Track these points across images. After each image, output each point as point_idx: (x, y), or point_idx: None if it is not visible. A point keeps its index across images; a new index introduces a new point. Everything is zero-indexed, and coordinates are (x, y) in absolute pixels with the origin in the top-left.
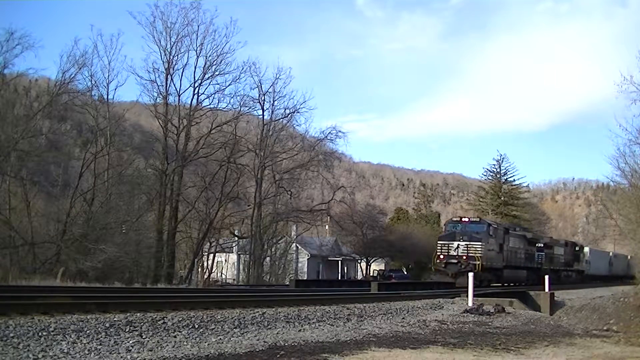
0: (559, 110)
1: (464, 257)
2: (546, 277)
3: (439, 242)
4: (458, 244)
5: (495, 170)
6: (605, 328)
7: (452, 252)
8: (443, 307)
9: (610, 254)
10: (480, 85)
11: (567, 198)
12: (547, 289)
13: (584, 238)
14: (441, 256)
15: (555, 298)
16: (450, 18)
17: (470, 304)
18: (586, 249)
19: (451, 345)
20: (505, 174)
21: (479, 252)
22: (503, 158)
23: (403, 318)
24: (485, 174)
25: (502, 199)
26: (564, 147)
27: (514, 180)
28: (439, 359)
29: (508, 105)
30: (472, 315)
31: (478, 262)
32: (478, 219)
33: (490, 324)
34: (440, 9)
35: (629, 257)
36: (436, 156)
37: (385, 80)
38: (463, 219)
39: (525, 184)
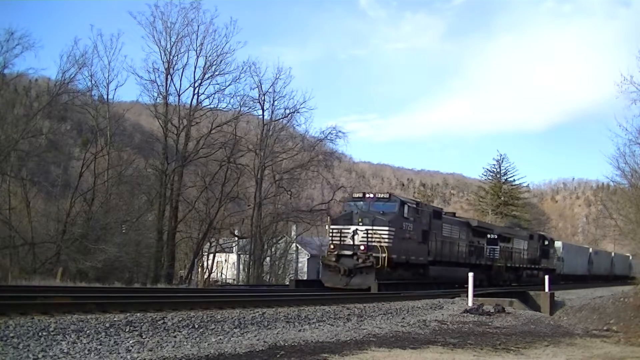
0: (559, 110)
1: (362, 248)
2: (546, 277)
3: (331, 226)
4: (356, 229)
5: (495, 170)
6: (605, 328)
7: (348, 241)
8: (443, 307)
9: (590, 250)
10: (481, 85)
11: (567, 198)
12: (547, 289)
13: (584, 238)
14: (332, 246)
15: (555, 298)
16: (452, 18)
17: (470, 304)
18: (558, 244)
19: (451, 345)
20: (505, 174)
21: (385, 240)
22: (503, 158)
23: (403, 318)
24: (485, 174)
25: (502, 199)
26: (564, 147)
27: (514, 180)
28: (439, 359)
29: (509, 105)
30: (472, 315)
31: (383, 255)
32: (387, 196)
33: (490, 324)
34: (443, 9)
35: (612, 254)
36: (436, 156)
37: (387, 80)
38: (367, 196)
39: (525, 184)
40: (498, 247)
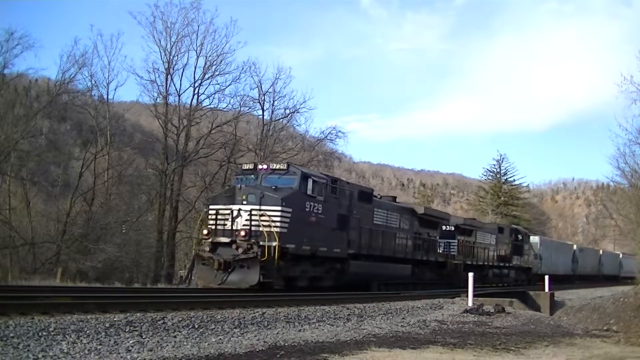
0: (560, 110)
1: (243, 234)
2: (546, 277)
3: (209, 207)
4: (239, 210)
5: (495, 170)
6: (605, 328)
7: (228, 225)
8: (443, 307)
9: (574, 247)
10: (482, 85)
11: (567, 198)
12: (547, 289)
13: (584, 238)
14: (205, 232)
15: (555, 298)
16: (454, 18)
17: (470, 304)
18: (534, 239)
19: (451, 345)
20: (505, 174)
21: (277, 223)
22: (503, 158)
23: (403, 318)
24: (485, 174)
25: (502, 199)
26: (565, 147)
27: (514, 180)
28: (439, 359)
29: (509, 105)
30: (472, 315)
31: (273, 244)
32: (285, 167)
33: (490, 324)
34: (445, 9)
35: (600, 251)
36: (436, 156)
37: (388, 80)
38: (259, 167)
39: (525, 184)
40: (455, 241)
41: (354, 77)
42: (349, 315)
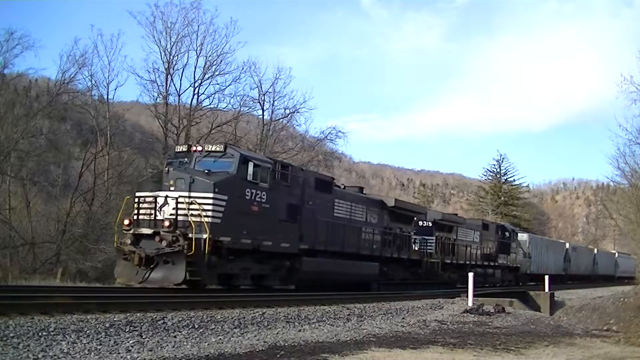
0: (560, 110)
1: (167, 224)
2: (546, 277)
3: (136, 194)
4: (166, 197)
5: (495, 170)
6: (605, 328)
7: (153, 215)
8: (443, 307)
9: (567, 245)
10: (482, 85)
11: (567, 198)
12: (547, 289)
13: (584, 238)
14: (126, 222)
15: (555, 298)
16: (455, 18)
17: (470, 304)
18: (523, 236)
19: (451, 345)
20: (505, 174)
21: (209, 213)
22: (503, 158)
23: (403, 318)
24: (485, 174)
25: (502, 199)
26: (565, 147)
27: (514, 180)
28: (439, 359)
29: (509, 105)
30: (472, 315)
31: (205, 236)
32: (222, 148)
33: (490, 324)
34: (446, 9)
35: (595, 250)
36: (436, 156)
37: (388, 80)
38: (194, 148)
39: (525, 184)
40: (433, 237)
41: (355, 77)
42: (349, 315)
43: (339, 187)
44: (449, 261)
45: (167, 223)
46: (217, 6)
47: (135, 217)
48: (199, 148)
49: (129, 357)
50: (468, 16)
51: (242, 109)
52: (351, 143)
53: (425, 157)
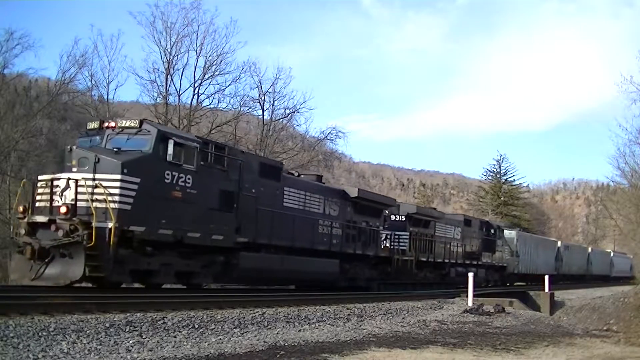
0: (560, 110)
1: (64, 211)
2: (546, 277)
3: (38, 177)
4: (67, 180)
5: (495, 170)
6: (605, 328)
7: (56, 200)
8: (443, 307)
9: (559, 244)
10: (483, 85)
11: (567, 198)
12: (547, 289)
13: (584, 238)
14: (20, 208)
15: (555, 298)
16: (455, 18)
17: (470, 304)
18: (510, 234)
19: (451, 345)
20: (505, 174)
21: (116, 197)
22: (503, 158)
23: (403, 318)
24: (485, 174)
25: (502, 199)
26: (565, 147)
27: (514, 180)
28: (439, 359)
29: (510, 105)
30: (472, 315)
31: (110, 225)
32: (138, 124)
33: (490, 324)
34: (446, 9)
35: (589, 249)
36: (436, 156)
37: (389, 80)
38: (106, 124)
39: (525, 184)
40: (407, 233)
41: (355, 77)
42: (349, 315)
43: (292, 174)
44: (424, 259)
45: (63, 209)
46: (217, 6)
47: (32, 203)
48: (112, 124)
49: (129, 357)
50: (469, 16)
51: (242, 109)
52: (351, 143)
53: (425, 157)
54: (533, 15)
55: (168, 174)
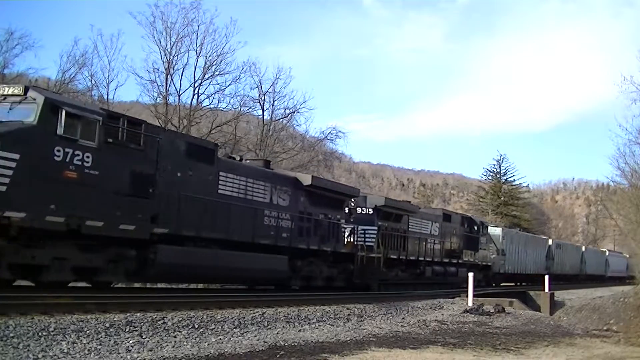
0: (560, 110)
1: None
2: (546, 277)
3: None
4: None
5: (495, 170)
6: (605, 328)
7: None
8: (443, 307)
9: (550, 242)
10: (483, 85)
11: (567, 198)
12: (547, 289)
13: (584, 238)
14: None
15: (555, 298)
16: (456, 18)
17: (470, 304)
18: (495, 230)
19: (451, 345)
20: (505, 174)
21: None
22: (503, 158)
23: (403, 318)
24: (485, 174)
25: (502, 199)
26: (565, 147)
27: (514, 180)
28: (439, 359)
29: (510, 105)
30: (472, 315)
31: None
32: (22, 91)
33: (490, 324)
34: (447, 9)
35: (583, 248)
36: (436, 156)
37: (389, 80)
38: None
39: (525, 184)
40: (375, 227)
41: (355, 77)
42: (349, 315)
43: (232, 158)
44: (395, 256)
45: None
46: (217, 6)
47: None
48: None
49: (129, 357)
50: (469, 16)
51: (242, 109)
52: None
53: (425, 157)
54: (533, 15)
55: (59, 151)
